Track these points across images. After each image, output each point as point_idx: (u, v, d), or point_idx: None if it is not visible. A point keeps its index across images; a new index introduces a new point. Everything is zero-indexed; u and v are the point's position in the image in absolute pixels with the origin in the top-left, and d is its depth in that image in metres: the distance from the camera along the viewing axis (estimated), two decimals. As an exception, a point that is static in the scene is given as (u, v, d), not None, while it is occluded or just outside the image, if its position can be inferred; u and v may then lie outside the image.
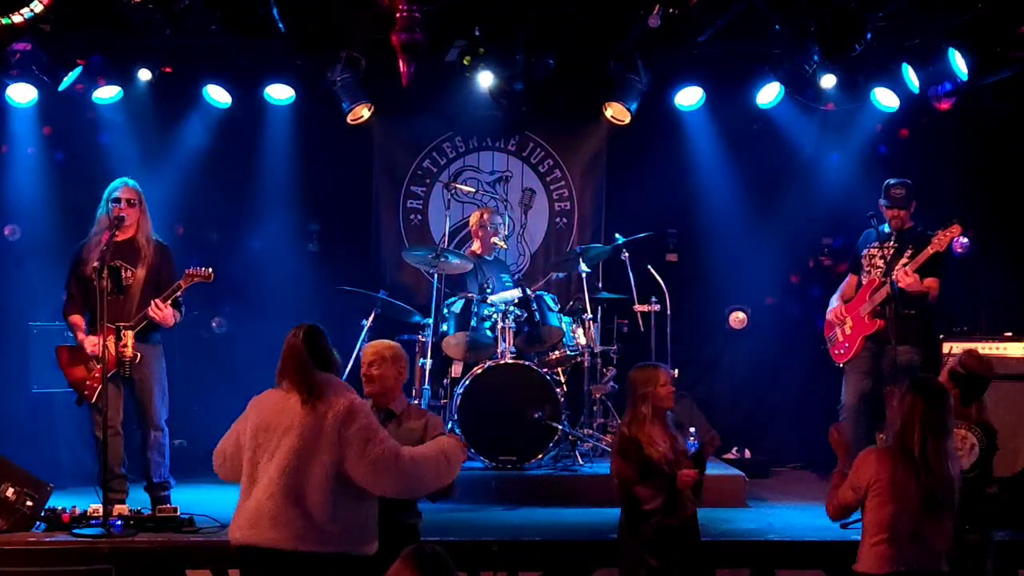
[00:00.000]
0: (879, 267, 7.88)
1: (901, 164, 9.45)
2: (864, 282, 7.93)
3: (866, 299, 7.84)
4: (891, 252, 7.75)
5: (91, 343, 7.02)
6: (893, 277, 7.42)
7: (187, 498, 7.20)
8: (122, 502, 6.80)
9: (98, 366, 6.88)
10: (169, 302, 7.05)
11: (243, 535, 4.49)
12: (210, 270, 7.17)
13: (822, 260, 9.63)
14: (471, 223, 9.24)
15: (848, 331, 7.91)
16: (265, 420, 4.56)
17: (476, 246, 9.16)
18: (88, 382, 7.02)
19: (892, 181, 7.97)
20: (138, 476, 7.43)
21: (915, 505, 4.71)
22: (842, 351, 7.92)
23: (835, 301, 8.07)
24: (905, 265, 7.62)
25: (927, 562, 4.76)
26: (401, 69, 7.61)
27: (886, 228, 7.83)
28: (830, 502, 5.05)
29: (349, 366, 8.28)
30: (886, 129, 9.30)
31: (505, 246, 9.17)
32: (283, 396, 4.58)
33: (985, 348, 7.68)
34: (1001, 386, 7.59)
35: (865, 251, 8.00)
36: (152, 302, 6.99)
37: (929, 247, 7.50)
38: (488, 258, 9.05)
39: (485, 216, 9.07)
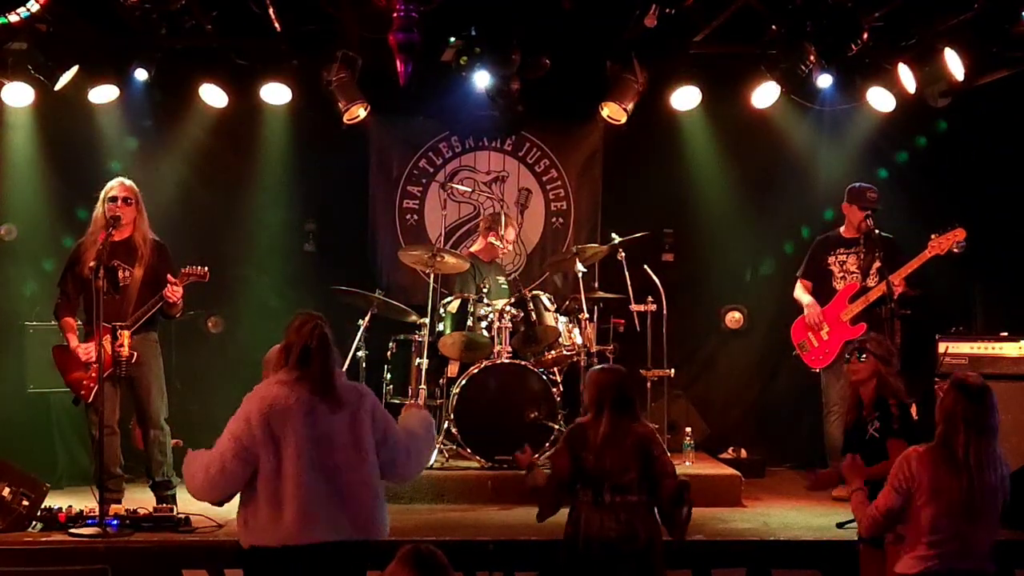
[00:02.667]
0: (853, 272, 7.94)
1: (896, 165, 9.50)
2: (839, 288, 7.98)
3: (844, 304, 7.89)
4: (861, 256, 7.83)
5: (84, 351, 7.04)
6: (891, 281, 7.43)
7: (184, 497, 7.19)
8: (118, 502, 6.81)
9: (95, 366, 6.90)
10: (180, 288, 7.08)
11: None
12: (205, 269, 7.18)
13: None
14: (481, 224, 9.26)
15: (825, 336, 7.96)
16: (287, 418, 4.54)
17: (477, 246, 9.17)
18: (85, 381, 7.02)
19: (865, 184, 8.03)
20: (140, 476, 7.44)
21: (957, 507, 4.61)
22: (820, 357, 7.99)
23: (805, 297, 8.10)
24: (881, 268, 7.70)
25: (970, 562, 4.67)
26: (399, 69, 7.61)
27: (841, 232, 7.94)
28: (866, 515, 4.83)
29: (345, 365, 8.29)
30: (882, 129, 9.30)
31: (505, 249, 9.16)
32: (299, 392, 4.58)
33: (981, 348, 7.72)
34: (997, 386, 7.55)
35: (831, 257, 8.07)
36: (168, 281, 7.02)
37: (927, 250, 7.53)
38: (485, 259, 9.06)
39: (500, 223, 9.06)
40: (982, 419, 4.67)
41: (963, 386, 4.72)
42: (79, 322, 7.20)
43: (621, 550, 5.10)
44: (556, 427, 7.80)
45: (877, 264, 7.88)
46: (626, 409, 5.27)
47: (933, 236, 7.62)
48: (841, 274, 8.05)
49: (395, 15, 7.38)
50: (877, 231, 7.86)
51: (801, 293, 8.29)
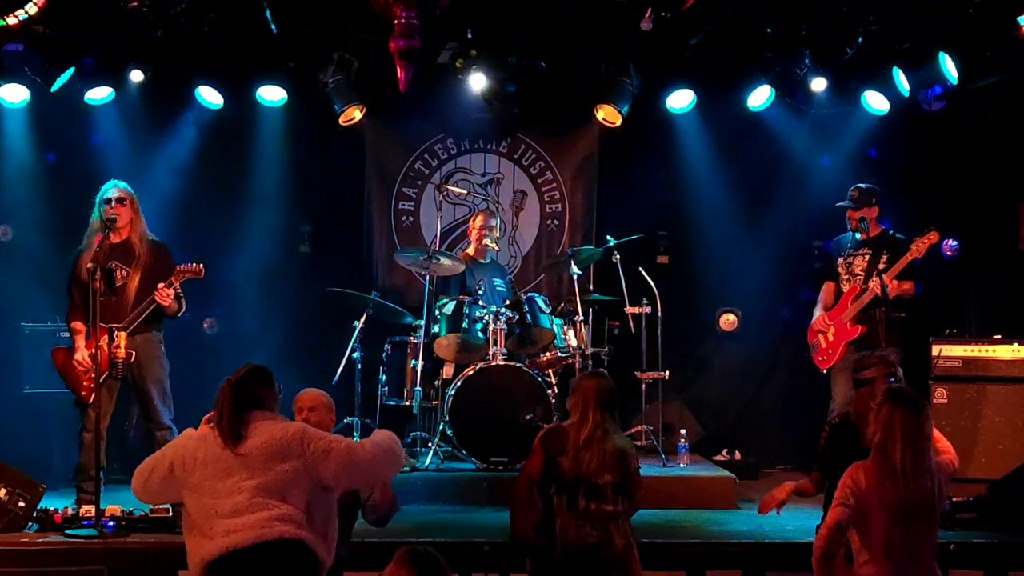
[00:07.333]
0: (858, 274, 7.96)
1: (891, 167, 9.52)
2: (845, 290, 8.00)
3: (847, 306, 7.91)
4: (867, 258, 7.85)
5: (80, 355, 7.05)
6: (884, 282, 7.45)
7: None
8: (91, 503, 6.76)
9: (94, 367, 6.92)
10: (172, 290, 7.09)
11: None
12: (200, 265, 7.18)
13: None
14: (471, 226, 9.26)
15: (831, 338, 7.98)
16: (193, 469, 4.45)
17: (471, 248, 9.18)
18: (86, 383, 7.04)
19: (855, 186, 8.05)
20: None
21: (902, 516, 4.64)
22: (825, 357, 8.00)
23: (818, 310, 8.14)
24: (883, 271, 7.70)
25: (920, 570, 4.70)
26: (399, 75, 7.62)
27: (857, 236, 7.93)
28: (819, 537, 4.80)
29: (341, 367, 8.31)
30: (876, 132, 9.32)
31: (497, 248, 9.17)
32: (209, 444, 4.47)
33: (974, 351, 7.74)
34: (991, 389, 7.66)
35: (840, 259, 8.09)
36: (158, 287, 7.03)
37: (908, 254, 7.56)
38: (483, 261, 9.07)
39: (482, 219, 9.08)
40: (918, 429, 4.71)
41: (900, 398, 4.78)
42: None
43: (599, 556, 5.14)
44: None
45: (881, 265, 7.88)
46: (611, 416, 5.34)
47: (915, 239, 7.65)
48: (847, 276, 8.05)
49: (396, 22, 7.39)
50: (884, 232, 7.88)
51: (818, 304, 8.27)
